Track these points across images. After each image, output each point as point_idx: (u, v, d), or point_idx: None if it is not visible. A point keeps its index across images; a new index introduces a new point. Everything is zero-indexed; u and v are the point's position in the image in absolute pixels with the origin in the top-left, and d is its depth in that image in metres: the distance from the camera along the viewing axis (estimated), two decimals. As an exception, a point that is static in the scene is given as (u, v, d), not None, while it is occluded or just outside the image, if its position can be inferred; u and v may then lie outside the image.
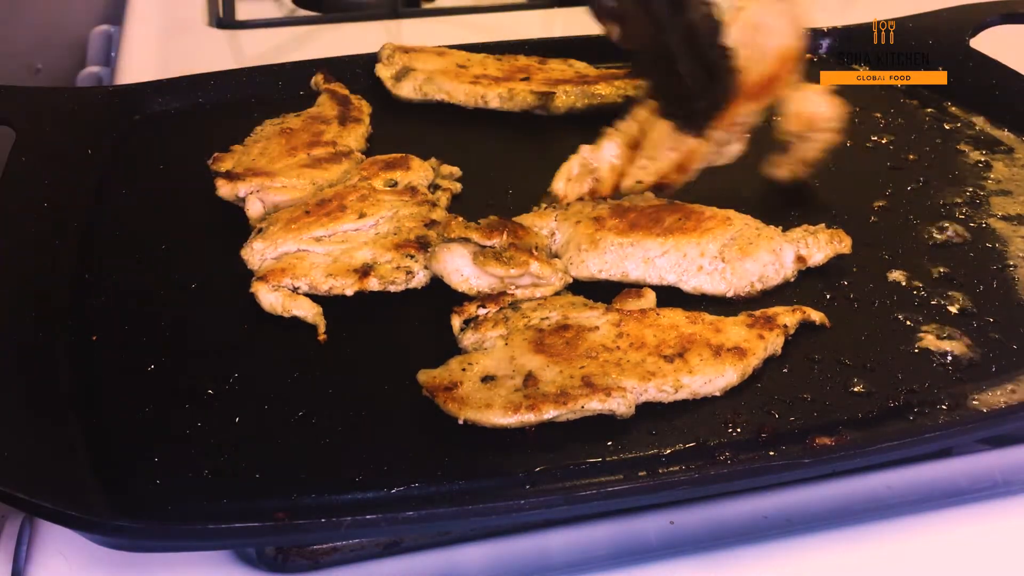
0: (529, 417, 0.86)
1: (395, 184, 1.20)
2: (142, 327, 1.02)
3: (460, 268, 1.04)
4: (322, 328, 1.01)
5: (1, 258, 1.07)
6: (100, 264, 1.12)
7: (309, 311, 1.02)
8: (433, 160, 1.28)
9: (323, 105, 1.38)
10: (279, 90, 1.49)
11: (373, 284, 1.05)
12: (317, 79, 1.46)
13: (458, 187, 1.25)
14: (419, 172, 1.23)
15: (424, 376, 0.91)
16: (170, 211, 1.23)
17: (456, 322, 1.00)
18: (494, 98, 1.44)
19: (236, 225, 1.16)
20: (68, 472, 0.83)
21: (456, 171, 1.28)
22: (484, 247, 1.04)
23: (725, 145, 1.19)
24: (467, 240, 1.04)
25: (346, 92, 1.42)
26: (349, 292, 1.05)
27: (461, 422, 0.87)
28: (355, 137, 1.32)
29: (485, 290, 1.04)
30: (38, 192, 1.19)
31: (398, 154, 1.26)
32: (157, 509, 0.81)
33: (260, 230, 1.12)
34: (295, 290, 1.05)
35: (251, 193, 1.18)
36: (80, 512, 0.74)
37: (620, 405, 0.88)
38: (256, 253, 1.09)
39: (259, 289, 1.04)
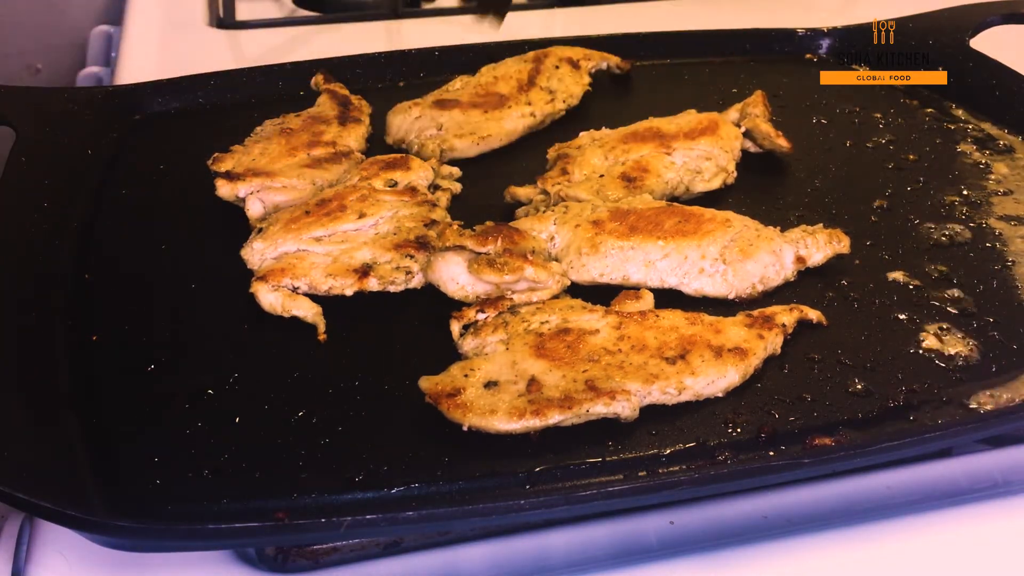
0: (535, 422, 0.86)
1: (395, 184, 1.20)
2: (142, 327, 1.02)
3: (455, 277, 1.04)
4: (322, 328, 1.01)
5: (1, 258, 1.07)
6: (100, 264, 1.12)
7: (309, 311, 1.02)
8: (433, 160, 1.27)
9: (323, 105, 1.38)
10: (279, 90, 1.49)
11: (373, 284, 1.05)
12: (317, 79, 1.46)
13: (458, 187, 1.25)
14: (419, 172, 1.23)
15: (426, 383, 0.90)
16: (170, 211, 1.23)
17: (455, 327, 0.99)
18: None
19: (236, 225, 1.16)
20: (68, 472, 0.84)
21: (456, 171, 1.28)
22: (479, 254, 1.04)
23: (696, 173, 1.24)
24: (462, 248, 1.04)
25: (346, 92, 1.42)
26: (349, 292, 1.05)
27: (466, 428, 0.87)
28: (355, 137, 1.32)
29: (482, 296, 1.04)
30: (38, 192, 1.19)
31: (398, 154, 1.26)
32: (157, 509, 0.81)
33: (260, 230, 1.12)
34: (295, 290, 1.05)
35: (251, 193, 1.18)
36: (80, 512, 0.74)
37: (625, 408, 0.88)
38: (256, 253, 1.09)
39: (259, 289, 1.04)
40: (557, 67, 1.47)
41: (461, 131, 1.34)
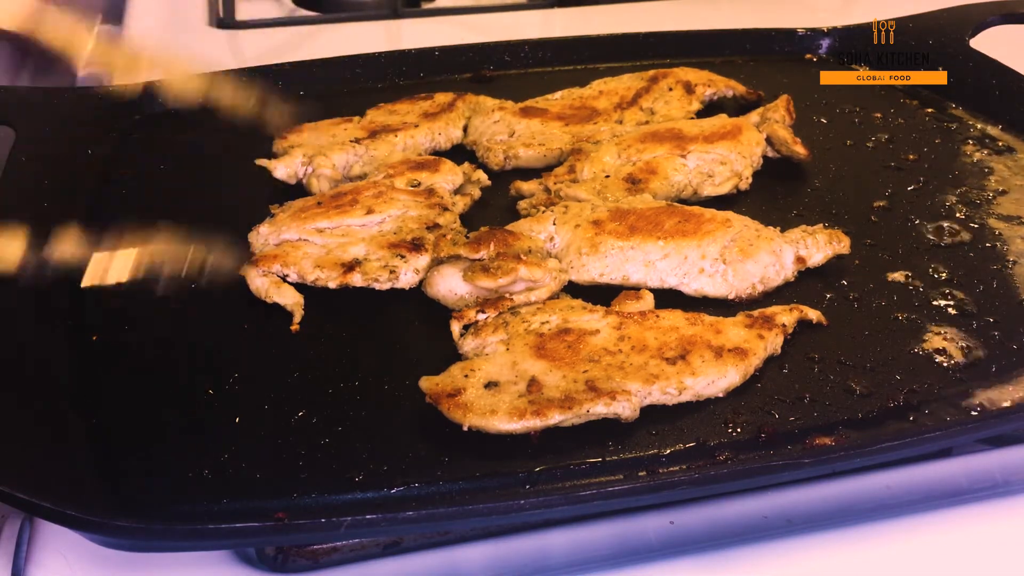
0: (535, 423, 0.86)
1: (418, 185, 1.19)
2: (142, 327, 1.02)
3: (453, 288, 1.04)
4: (297, 319, 1.02)
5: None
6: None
7: (290, 300, 1.03)
8: (467, 165, 1.26)
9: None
10: (279, 90, 1.49)
11: (356, 280, 1.05)
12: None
13: (479, 193, 1.24)
14: (446, 176, 1.22)
15: (427, 383, 0.90)
16: (170, 211, 1.23)
17: (456, 328, 0.99)
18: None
19: (236, 225, 1.16)
20: (68, 472, 0.84)
21: (484, 179, 1.27)
22: (474, 261, 1.04)
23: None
24: (457, 258, 1.04)
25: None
26: (332, 285, 1.05)
27: (466, 428, 0.87)
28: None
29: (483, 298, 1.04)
30: (38, 192, 1.19)
31: (431, 156, 1.25)
32: (157, 509, 0.81)
33: (272, 215, 1.13)
34: (284, 278, 1.06)
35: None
36: (80, 512, 0.74)
37: (625, 408, 0.88)
38: (260, 237, 1.11)
39: (248, 272, 1.05)
40: (670, 89, 1.42)
41: (531, 141, 1.31)
